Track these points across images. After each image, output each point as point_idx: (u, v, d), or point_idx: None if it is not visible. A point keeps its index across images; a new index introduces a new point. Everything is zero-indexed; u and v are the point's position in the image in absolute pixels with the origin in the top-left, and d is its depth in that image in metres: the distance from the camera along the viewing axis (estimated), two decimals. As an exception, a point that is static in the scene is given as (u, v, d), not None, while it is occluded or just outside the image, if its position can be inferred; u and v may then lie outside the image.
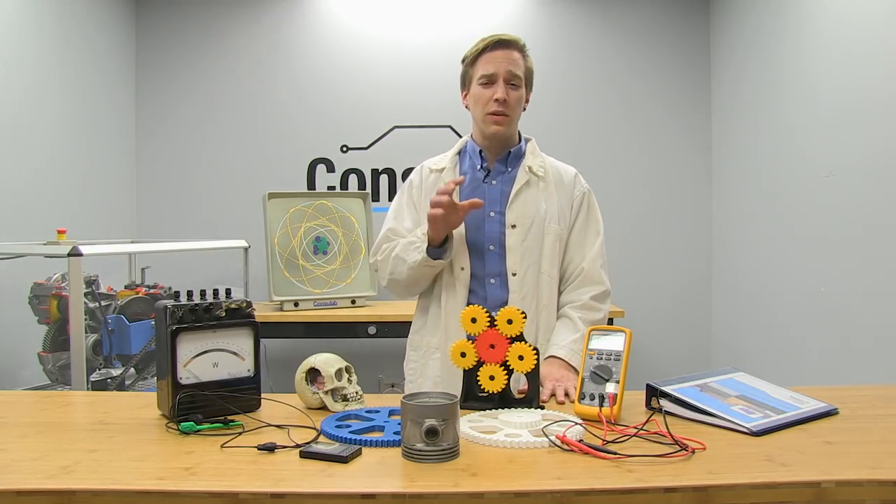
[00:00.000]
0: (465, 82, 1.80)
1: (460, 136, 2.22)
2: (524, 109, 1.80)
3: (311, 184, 3.87)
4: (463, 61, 1.80)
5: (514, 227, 1.72)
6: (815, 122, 2.88)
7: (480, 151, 1.79)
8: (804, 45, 2.97)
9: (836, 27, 2.75)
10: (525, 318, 1.35)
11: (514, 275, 1.71)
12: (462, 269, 1.73)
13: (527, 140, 1.85)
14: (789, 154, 3.09)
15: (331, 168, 3.89)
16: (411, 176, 1.89)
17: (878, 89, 2.48)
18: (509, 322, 1.33)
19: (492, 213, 1.74)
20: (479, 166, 1.80)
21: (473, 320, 1.35)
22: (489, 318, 1.34)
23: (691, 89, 3.91)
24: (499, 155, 1.79)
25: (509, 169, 1.79)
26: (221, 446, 1.12)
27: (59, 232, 2.62)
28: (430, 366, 1.77)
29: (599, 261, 1.78)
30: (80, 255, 2.23)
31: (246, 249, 3.32)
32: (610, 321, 3.13)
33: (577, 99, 3.89)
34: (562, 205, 1.78)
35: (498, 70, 1.70)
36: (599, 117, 3.90)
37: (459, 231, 1.72)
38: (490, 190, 1.77)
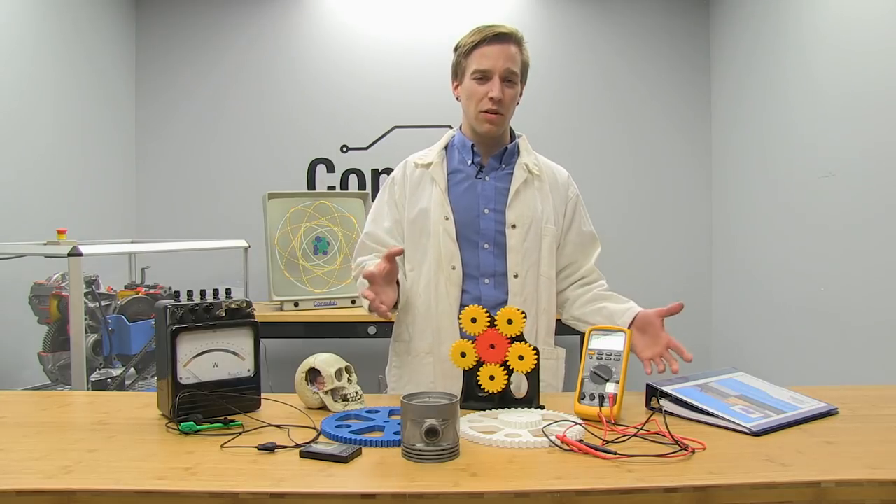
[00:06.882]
0: (458, 73, 1.69)
1: None
2: (517, 104, 1.70)
3: (311, 184, 3.87)
4: (455, 50, 1.69)
5: (514, 226, 1.64)
6: (815, 122, 2.88)
7: (473, 146, 1.70)
8: (804, 44, 2.97)
9: (836, 27, 2.75)
10: (525, 317, 1.35)
11: (515, 276, 1.63)
12: (453, 268, 1.63)
13: (519, 136, 1.76)
14: (789, 154, 3.09)
15: (331, 168, 3.89)
16: (394, 172, 1.77)
17: (879, 89, 2.48)
18: (509, 322, 1.33)
19: (486, 210, 1.66)
20: (469, 161, 1.70)
21: (473, 320, 1.35)
22: (489, 318, 1.34)
23: (691, 89, 3.91)
24: (492, 151, 1.70)
25: (503, 166, 1.70)
26: (221, 446, 1.12)
27: (59, 232, 2.62)
28: (422, 371, 1.66)
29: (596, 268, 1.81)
30: (80, 255, 2.23)
31: (246, 249, 3.33)
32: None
33: (577, 99, 3.89)
34: (556, 206, 1.72)
35: (494, 67, 1.60)
36: (599, 117, 3.90)
37: (442, 248, 1.63)
38: (484, 186, 1.68)
